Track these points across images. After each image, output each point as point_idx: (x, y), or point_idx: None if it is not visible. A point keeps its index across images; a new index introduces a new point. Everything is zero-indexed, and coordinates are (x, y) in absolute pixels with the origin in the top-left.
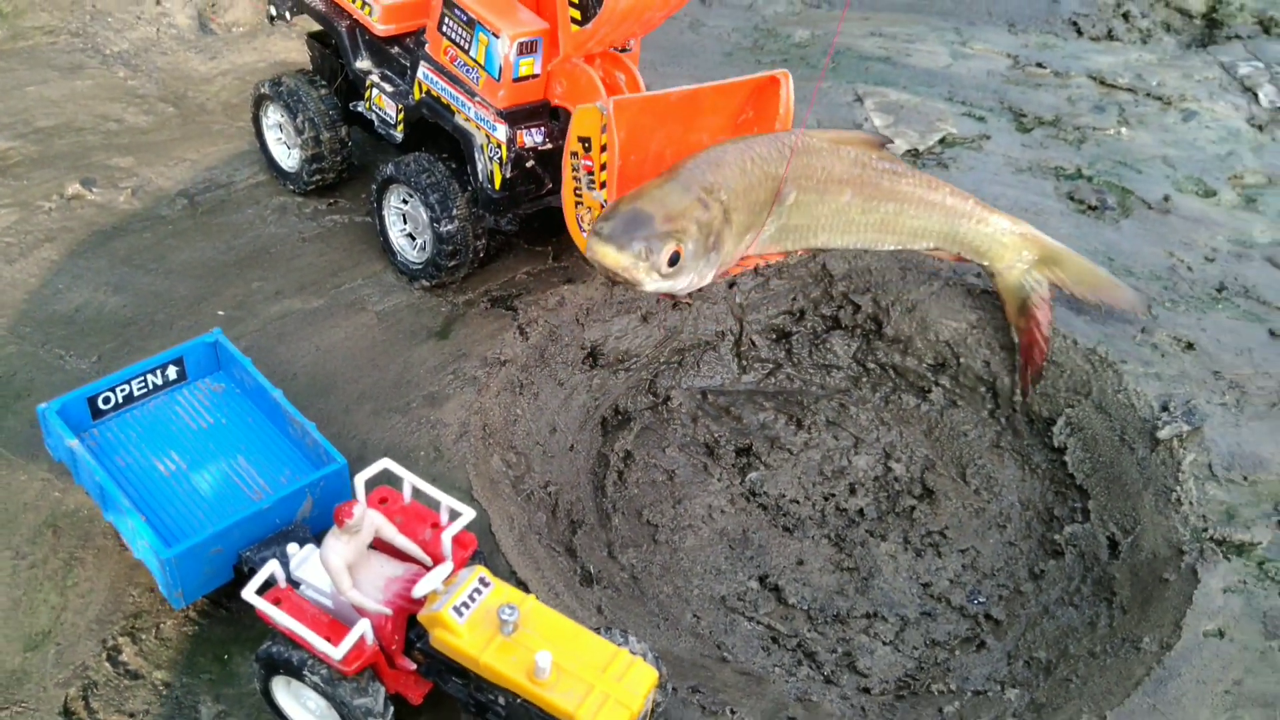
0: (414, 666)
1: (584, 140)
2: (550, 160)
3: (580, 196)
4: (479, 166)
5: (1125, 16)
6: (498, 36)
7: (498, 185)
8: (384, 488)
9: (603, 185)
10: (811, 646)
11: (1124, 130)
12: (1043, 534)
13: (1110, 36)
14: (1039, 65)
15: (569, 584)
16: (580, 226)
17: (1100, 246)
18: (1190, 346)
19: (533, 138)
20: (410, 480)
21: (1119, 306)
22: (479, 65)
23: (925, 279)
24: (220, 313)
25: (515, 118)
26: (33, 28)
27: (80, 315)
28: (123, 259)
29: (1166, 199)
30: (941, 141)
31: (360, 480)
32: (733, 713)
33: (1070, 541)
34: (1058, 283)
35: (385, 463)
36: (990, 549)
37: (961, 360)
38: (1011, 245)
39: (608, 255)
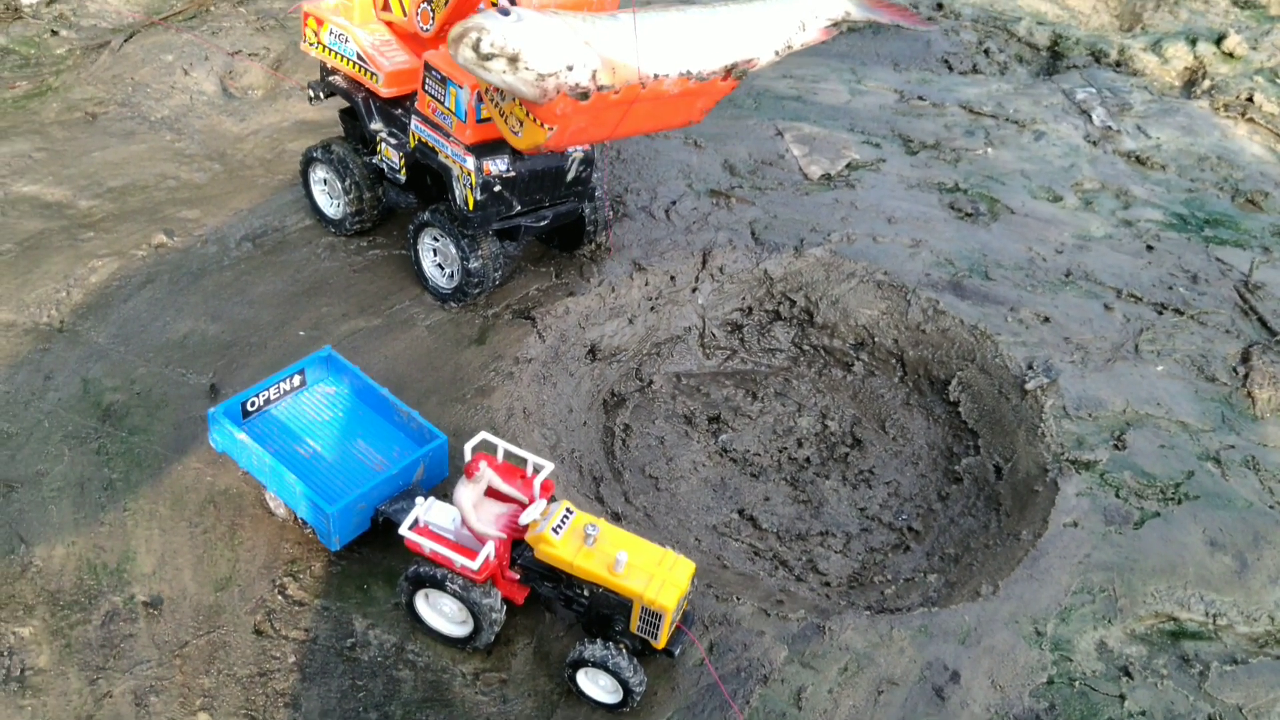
0: (517, 577)
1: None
2: (514, 185)
3: (504, 111)
4: (456, 193)
5: (986, 53)
6: (461, 87)
7: (471, 207)
8: (481, 452)
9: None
10: (784, 557)
11: (990, 150)
12: (946, 466)
13: (975, 70)
14: (920, 98)
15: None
16: (514, 133)
17: (976, 246)
18: (1047, 320)
19: (497, 166)
20: (503, 445)
21: None
22: (451, 112)
23: (845, 278)
24: (301, 333)
25: (481, 151)
26: (83, 99)
27: (189, 341)
28: (212, 293)
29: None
30: (848, 166)
31: (468, 446)
32: (738, 599)
33: (967, 470)
34: None
35: (484, 434)
36: (908, 480)
37: (876, 339)
38: None
39: (458, 28)
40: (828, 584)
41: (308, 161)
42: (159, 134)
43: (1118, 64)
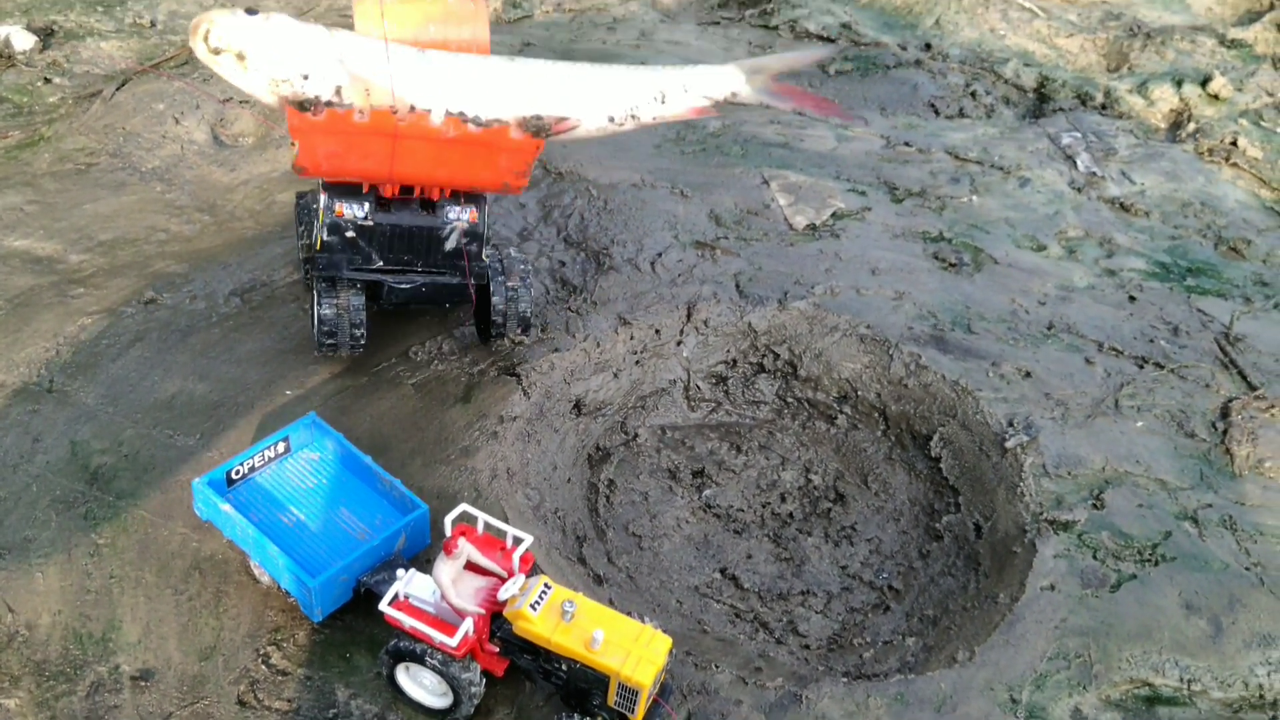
0: (496, 650)
1: None
2: (372, 236)
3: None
4: (313, 232)
5: (973, 95)
6: None
7: (318, 246)
8: (462, 524)
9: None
10: (765, 618)
11: (974, 198)
12: (927, 524)
13: (962, 114)
14: (906, 144)
15: (586, 584)
16: (291, 148)
17: (959, 298)
18: (1028, 375)
19: (352, 210)
20: (483, 518)
21: (819, 59)
22: None
23: (828, 331)
24: (288, 392)
25: (337, 192)
26: (75, 150)
27: (177, 401)
28: (200, 352)
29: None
30: (833, 215)
31: (448, 519)
32: (717, 667)
33: (947, 528)
34: (774, 76)
35: (464, 506)
36: (889, 537)
37: (859, 393)
38: (732, 72)
39: (196, 19)
40: (807, 646)
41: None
42: (150, 185)
43: (1103, 106)
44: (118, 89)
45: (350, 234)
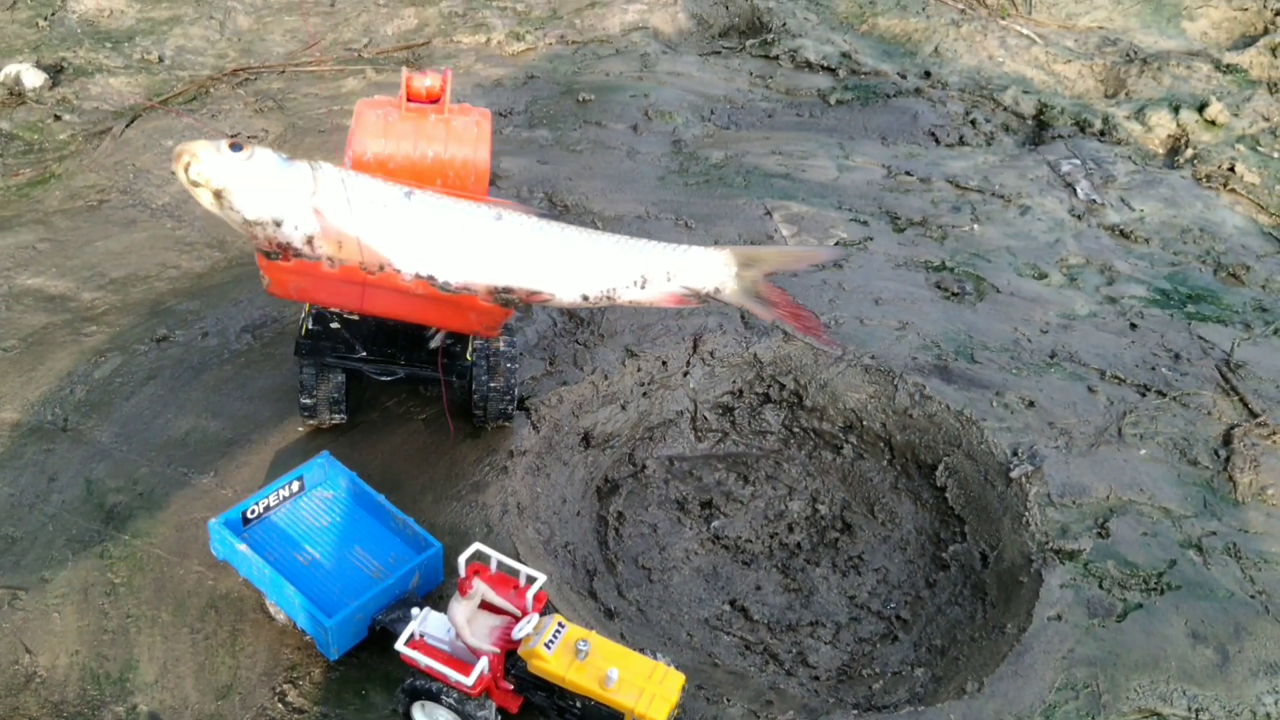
0: (511, 687)
1: None
2: (357, 329)
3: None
4: (301, 318)
5: (973, 123)
6: None
7: (303, 333)
8: (475, 562)
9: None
10: (774, 650)
11: (976, 226)
12: (933, 553)
13: (962, 142)
14: (907, 173)
15: (597, 619)
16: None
17: (962, 327)
18: (1031, 404)
19: None
20: (496, 556)
21: (821, 261)
22: None
23: (833, 361)
24: (300, 429)
25: None
26: (85, 187)
27: (191, 439)
28: (213, 389)
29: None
30: (836, 245)
31: (462, 559)
32: (728, 701)
33: (954, 557)
34: (767, 274)
35: (477, 545)
36: (896, 566)
37: (864, 423)
38: (722, 262)
39: (178, 146)
40: (817, 678)
41: None
42: (160, 221)
43: (1102, 133)
44: (127, 126)
45: (334, 324)
